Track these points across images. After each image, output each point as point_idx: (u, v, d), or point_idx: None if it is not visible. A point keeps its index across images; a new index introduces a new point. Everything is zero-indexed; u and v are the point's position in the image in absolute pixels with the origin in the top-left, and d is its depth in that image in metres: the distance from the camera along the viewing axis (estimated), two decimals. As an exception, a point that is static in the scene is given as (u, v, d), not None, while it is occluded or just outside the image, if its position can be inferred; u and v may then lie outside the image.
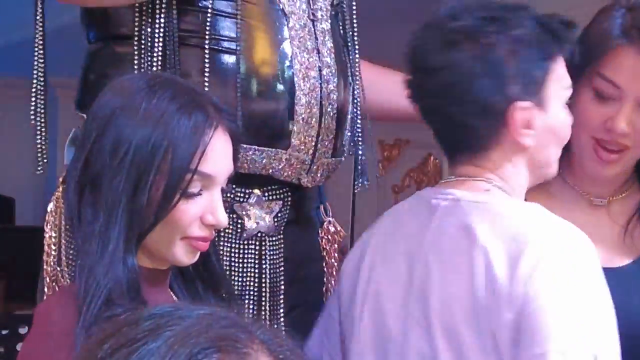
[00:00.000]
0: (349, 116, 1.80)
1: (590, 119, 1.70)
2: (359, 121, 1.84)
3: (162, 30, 1.63)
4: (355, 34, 1.85)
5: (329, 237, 1.84)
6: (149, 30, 1.63)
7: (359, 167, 1.86)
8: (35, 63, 1.71)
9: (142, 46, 1.64)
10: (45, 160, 1.70)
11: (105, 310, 1.30)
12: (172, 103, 1.37)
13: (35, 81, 1.70)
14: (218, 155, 1.38)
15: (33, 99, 1.70)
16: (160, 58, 1.62)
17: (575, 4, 1.85)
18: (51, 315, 1.37)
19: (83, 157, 1.38)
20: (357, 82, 1.83)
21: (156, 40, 1.63)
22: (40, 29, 1.72)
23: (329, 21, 1.78)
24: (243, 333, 0.82)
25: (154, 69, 1.61)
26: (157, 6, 1.63)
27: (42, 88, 1.71)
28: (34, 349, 1.37)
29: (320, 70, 1.71)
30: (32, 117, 1.71)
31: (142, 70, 1.62)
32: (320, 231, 1.81)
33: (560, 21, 1.54)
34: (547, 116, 1.51)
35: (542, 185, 1.79)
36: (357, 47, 1.85)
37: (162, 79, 1.45)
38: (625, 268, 1.74)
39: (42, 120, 1.71)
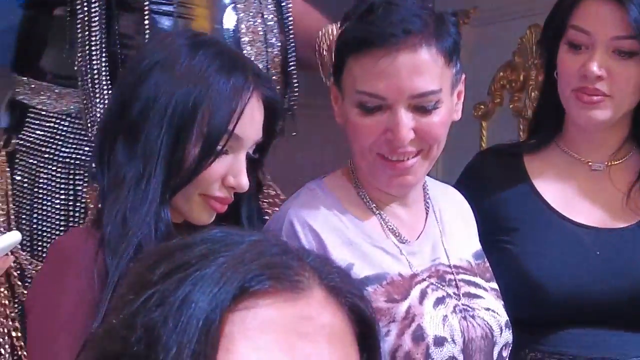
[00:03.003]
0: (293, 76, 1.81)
1: (568, 70, 1.74)
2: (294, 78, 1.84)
3: None
4: None
5: (270, 200, 1.84)
6: None
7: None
8: None
9: (79, 8, 1.61)
10: None
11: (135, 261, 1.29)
12: (213, 63, 1.38)
13: None
14: (250, 119, 1.39)
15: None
16: (96, 19, 1.60)
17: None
18: (75, 251, 1.35)
19: (119, 105, 1.40)
20: (291, 39, 1.82)
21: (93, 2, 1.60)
22: None
23: None
24: (294, 260, 0.82)
25: (93, 31, 1.59)
26: None
27: None
28: (58, 286, 1.34)
29: (265, 34, 1.71)
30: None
31: (81, 33, 1.60)
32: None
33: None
34: (344, 105, 1.54)
35: (540, 155, 1.84)
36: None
37: (204, 38, 1.46)
38: (629, 228, 1.76)
39: None
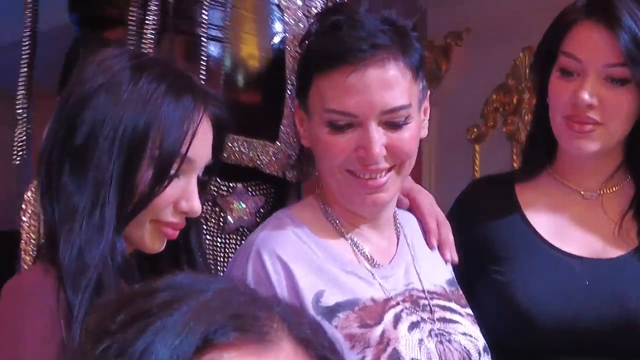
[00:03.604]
0: None
1: (559, 97, 1.73)
2: None
3: (153, 15, 1.60)
4: None
5: None
6: (140, 14, 1.60)
7: None
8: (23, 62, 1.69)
9: (132, 31, 1.61)
10: (24, 151, 1.67)
11: (96, 297, 1.27)
12: (160, 85, 1.36)
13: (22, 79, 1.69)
14: (202, 141, 1.37)
15: (20, 94, 1.69)
16: (151, 44, 1.60)
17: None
18: (34, 288, 1.30)
19: (63, 131, 1.36)
20: None
21: (148, 25, 1.60)
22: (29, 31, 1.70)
23: None
24: (263, 310, 0.80)
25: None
26: None
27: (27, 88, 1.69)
28: (13, 328, 1.30)
29: None
30: (19, 108, 1.69)
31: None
32: None
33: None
34: (311, 125, 1.53)
35: (532, 183, 1.84)
36: None
37: (145, 58, 1.44)
38: (619, 259, 1.75)
39: (25, 114, 1.68)
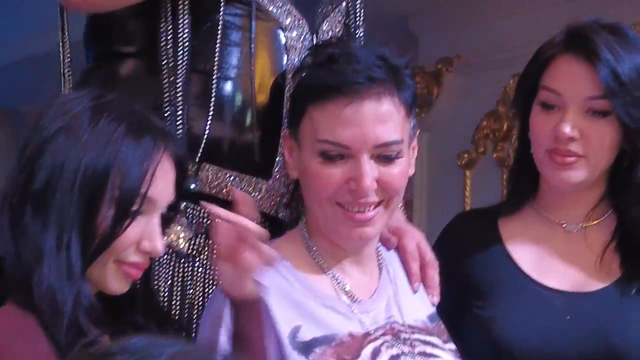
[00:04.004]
0: None
1: (541, 131, 1.73)
2: None
3: (171, 52, 1.61)
4: None
5: None
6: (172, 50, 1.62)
7: None
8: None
9: (148, 66, 1.62)
10: None
11: (75, 338, 1.26)
12: (119, 126, 1.36)
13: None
14: (163, 180, 1.37)
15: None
16: (166, 83, 1.61)
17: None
18: (19, 336, 1.28)
19: (23, 174, 1.35)
20: None
21: (165, 62, 1.61)
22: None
23: None
24: None
25: (163, 94, 1.60)
26: (169, 23, 1.62)
27: None
28: None
29: None
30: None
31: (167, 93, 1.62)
32: None
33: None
34: (301, 155, 1.53)
35: (515, 217, 1.84)
36: None
37: (106, 99, 1.43)
38: (601, 292, 1.74)
39: None
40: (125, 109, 1.41)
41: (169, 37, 1.63)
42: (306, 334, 1.47)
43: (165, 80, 1.62)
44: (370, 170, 1.49)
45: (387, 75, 1.51)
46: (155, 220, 1.38)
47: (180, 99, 1.62)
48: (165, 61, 1.63)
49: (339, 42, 1.71)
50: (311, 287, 1.55)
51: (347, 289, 1.57)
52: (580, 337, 1.69)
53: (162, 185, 1.38)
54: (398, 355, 1.54)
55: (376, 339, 1.54)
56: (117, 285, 1.38)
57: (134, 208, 1.35)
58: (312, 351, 1.50)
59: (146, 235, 1.36)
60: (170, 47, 1.63)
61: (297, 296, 1.52)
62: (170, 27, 1.63)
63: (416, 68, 4.00)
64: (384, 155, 1.51)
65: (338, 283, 1.57)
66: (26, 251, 1.32)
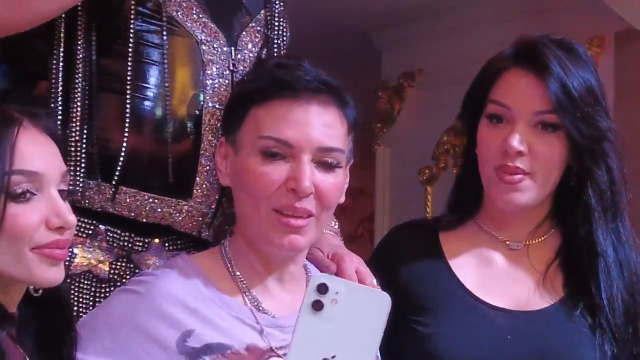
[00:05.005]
0: None
1: (488, 146, 1.73)
2: None
3: (79, 74, 1.60)
4: None
5: None
6: (63, 71, 1.60)
7: None
8: None
9: (58, 90, 1.60)
10: None
11: None
12: None
13: None
14: (35, 152, 1.33)
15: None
16: (78, 103, 1.60)
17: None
18: None
19: None
20: None
21: (74, 85, 1.60)
22: None
23: None
24: None
25: (73, 113, 1.59)
26: (79, 50, 1.61)
27: None
28: None
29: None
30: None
31: (56, 113, 1.60)
32: None
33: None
34: (237, 159, 1.54)
35: (457, 232, 1.84)
36: None
37: None
38: (543, 311, 1.74)
39: None
40: None
41: (60, 58, 1.61)
42: (198, 339, 1.47)
43: (71, 101, 1.60)
44: (310, 171, 1.49)
45: (334, 89, 1.53)
46: (54, 194, 1.35)
47: (77, 120, 1.60)
48: (62, 82, 1.61)
49: (283, 56, 1.72)
50: (222, 298, 1.54)
51: (262, 307, 1.57)
52: (518, 356, 1.69)
53: (37, 157, 1.35)
54: None
55: (278, 356, 1.53)
56: (48, 274, 1.35)
57: (17, 190, 1.31)
58: (201, 358, 1.49)
59: (51, 212, 1.33)
60: (62, 68, 1.61)
61: (197, 303, 1.51)
62: (62, 48, 1.61)
63: (379, 83, 4.06)
64: (324, 161, 1.51)
65: (253, 300, 1.57)
66: None
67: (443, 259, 1.80)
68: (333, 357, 1.18)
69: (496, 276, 1.78)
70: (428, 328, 1.72)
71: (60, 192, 1.36)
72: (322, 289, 1.19)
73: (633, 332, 1.72)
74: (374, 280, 1.69)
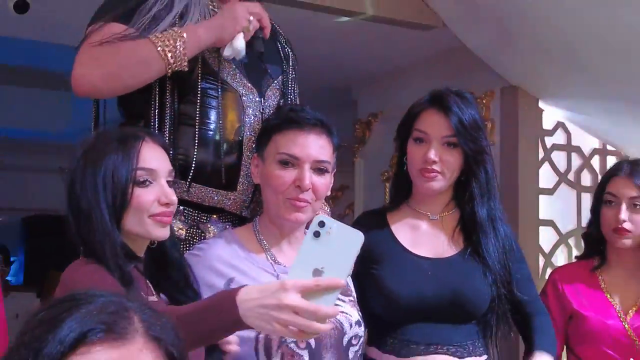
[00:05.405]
0: None
1: (415, 157, 1.73)
2: None
3: (167, 115, 1.56)
4: None
5: None
6: (157, 114, 1.56)
7: None
8: None
9: (155, 125, 1.56)
10: None
11: (120, 269, 1.20)
12: (114, 141, 1.29)
13: None
14: (151, 156, 1.29)
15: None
16: (167, 133, 1.55)
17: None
18: (92, 280, 1.21)
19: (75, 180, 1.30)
20: None
21: (164, 122, 1.56)
22: None
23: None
24: (123, 318, 0.75)
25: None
26: (167, 100, 1.57)
27: None
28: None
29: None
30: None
31: None
32: None
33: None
34: (264, 167, 1.51)
35: (397, 211, 1.80)
36: None
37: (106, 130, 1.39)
38: (451, 257, 1.73)
39: None
40: (123, 130, 1.36)
41: (156, 105, 1.56)
42: (236, 283, 1.42)
43: (162, 132, 1.55)
44: (309, 175, 1.48)
45: (325, 126, 1.52)
46: (163, 183, 1.30)
47: (171, 141, 1.54)
48: (157, 120, 1.56)
49: (294, 104, 1.69)
50: (252, 256, 1.50)
51: (277, 260, 1.52)
52: (438, 286, 1.67)
53: (153, 159, 1.30)
54: None
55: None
56: (158, 232, 1.30)
57: (139, 178, 1.27)
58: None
59: (162, 194, 1.29)
60: (157, 112, 1.56)
61: (235, 260, 1.47)
62: (157, 99, 1.56)
63: (355, 119, 3.97)
64: (319, 168, 1.49)
65: (271, 256, 1.53)
66: (85, 225, 1.26)
67: (388, 229, 1.78)
68: (322, 268, 1.11)
69: (421, 237, 1.76)
70: (380, 272, 1.70)
71: (168, 182, 1.32)
72: (322, 224, 1.11)
73: (503, 268, 1.72)
74: None
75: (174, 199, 1.31)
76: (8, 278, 4.52)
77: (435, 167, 1.70)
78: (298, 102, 1.77)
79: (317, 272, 1.10)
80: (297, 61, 1.79)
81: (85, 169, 1.27)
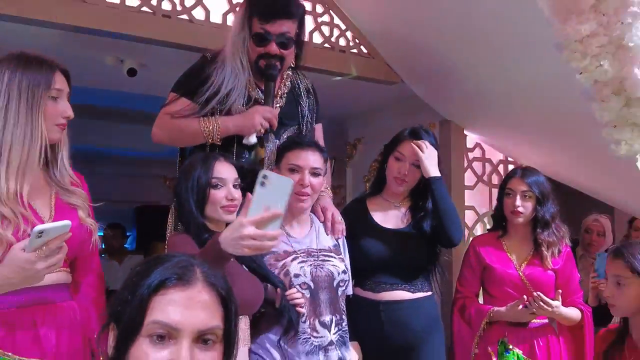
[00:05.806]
0: None
1: (393, 169, 1.76)
2: None
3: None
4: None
5: None
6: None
7: None
8: None
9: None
10: None
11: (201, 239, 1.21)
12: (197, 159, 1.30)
13: None
14: (223, 169, 1.31)
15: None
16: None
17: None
18: (185, 247, 1.22)
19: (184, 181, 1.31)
20: None
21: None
22: None
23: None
24: (189, 270, 0.75)
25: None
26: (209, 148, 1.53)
27: None
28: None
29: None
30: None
31: None
32: None
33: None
34: (280, 173, 1.44)
35: (373, 199, 1.81)
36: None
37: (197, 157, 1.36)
38: (404, 229, 1.75)
39: None
40: (203, 156, 1.35)
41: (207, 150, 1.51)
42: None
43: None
44: (308, 177, 1.45)
45: (319, 147, 1.52)
46: (230, 186, 1.30)
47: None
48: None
49: (297, 135, 1.63)
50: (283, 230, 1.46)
51: (290, 234, 1.51)
52: (394, 249, 1.72)
53: (223, 171, 1.30)
54: (305, 261, 1.45)
55: (298, 255, 1.47)
56: (227, 217, 1.30)
57: (214, 183, 1.28)
58: (264, 257, 1.40)
59: (229, 193, 1.30)
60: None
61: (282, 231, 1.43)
62: (208, 147, 1.53)
63: (346, 143, 3.89)
64: (314, 172, 1.45)
65: (286, 231, 1.51)
66: (181, 212, 1.30)
67: (367, 211, 1.80)
68: (268, 206, 1.02)
69: (388, 216, 1.80)
70: (360, 242, 1.72)
71: (234, 186, 1.33)
72: (265, 176, 1.01)
73: (435, 237, 1.74)
74: (343, 224, 1.62)
75: (237, 196, 1.30)
76: (126, 245, 4.64)
77: (405, 178, 1.75)
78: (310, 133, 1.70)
79: (266, 209, 1.02)
80: (318, 105, 1.73)
81: (182, 179, 1.31)
